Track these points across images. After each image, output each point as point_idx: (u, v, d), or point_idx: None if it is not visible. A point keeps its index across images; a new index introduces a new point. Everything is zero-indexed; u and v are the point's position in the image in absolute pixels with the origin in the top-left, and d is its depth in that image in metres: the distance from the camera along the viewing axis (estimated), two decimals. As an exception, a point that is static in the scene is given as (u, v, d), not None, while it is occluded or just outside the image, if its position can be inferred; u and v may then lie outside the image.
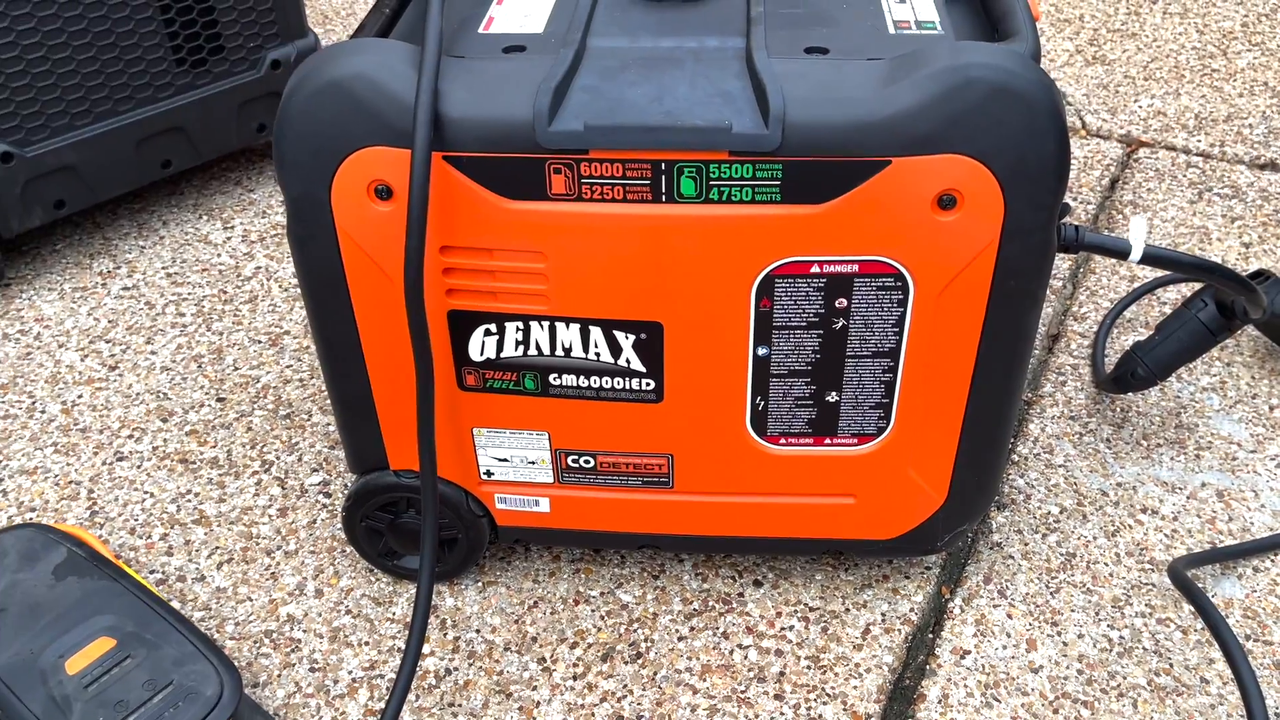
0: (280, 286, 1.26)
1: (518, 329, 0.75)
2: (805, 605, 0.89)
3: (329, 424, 1.07)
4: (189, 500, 0.99)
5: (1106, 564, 0.92)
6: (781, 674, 0.84)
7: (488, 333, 0.75)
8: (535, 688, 0.83)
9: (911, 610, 0.89)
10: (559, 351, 0.76)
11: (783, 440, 0.80)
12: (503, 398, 0.79)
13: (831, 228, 0.68)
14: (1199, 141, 1.48)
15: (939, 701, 0.82)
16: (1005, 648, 0.86)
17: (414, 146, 0.65)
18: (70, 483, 1.01)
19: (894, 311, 0.72)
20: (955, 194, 0.66)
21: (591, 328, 0.74)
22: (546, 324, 0.74)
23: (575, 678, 0.84)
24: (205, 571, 0.93)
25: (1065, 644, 0.86)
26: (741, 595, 0.90)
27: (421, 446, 0.75)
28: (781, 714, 0.81)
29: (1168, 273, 1.18)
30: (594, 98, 0.67)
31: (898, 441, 0.79)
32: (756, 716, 0.81)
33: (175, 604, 0.89)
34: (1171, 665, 0.84)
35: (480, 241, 0.70)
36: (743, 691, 0.83)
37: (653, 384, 0.77)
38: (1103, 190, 1.40)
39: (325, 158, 0.68)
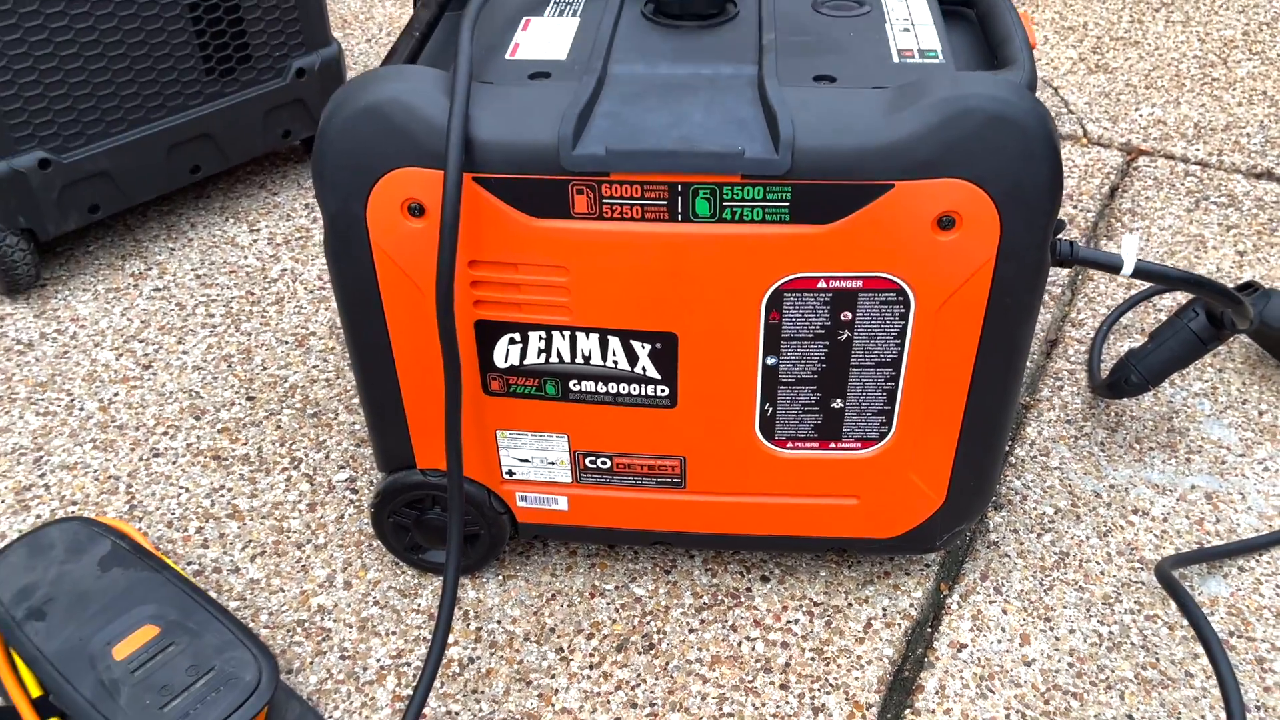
0: (305, 289, 1.30)
1: (540, 338, 0.79)
2: (810, 600, 0.93)
3: (355, 423, 1.11)
4: (222, 495, 1.04)
5: (1098, 563, 0.96)
6: (787, 665, 0.88)
7: (512, 341, 0.79)
8: (553, 676, 0.88)
9: (911, 605, 0.93)
10: (579, 359, 0.80)
11: (790, 444, 0.84)
12: (525, 402, 0.83)
13: (837, 246, 0.72)
14: (1197, 150, 1.51)
15: (936, 692, 0.86)
16: (1000, 642, 0.90)
17: (446, 168, 0.69)
18: (109, 477, 1.06)
19: (896, 324, 0.76)
20: (954, 215, 0.70)
21: (610, 337, 0.78)
22: (567, 334, 0.78)
23: (591, 667, 0.88)
24: (240, 564, 0.97)
25: (1057, 638, 0.90)
26: (749, 590, 0.94)
27: (449, 447, 0.79)
28: (787, 703, 0.85)
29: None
30: (615, 123, 0.71)
31: (899, 446, 0.83)
32: (763, 705, 0.85)
33: (212, 594, 0.93)
34: (1158, 659, 0.88)
35: (507, 256, 0.75)
36: (750, 681, 0.87)
37: (667, 390, 0.81)
38: (1102, 198, 1.43)
39: (362, 177, 0.72)
